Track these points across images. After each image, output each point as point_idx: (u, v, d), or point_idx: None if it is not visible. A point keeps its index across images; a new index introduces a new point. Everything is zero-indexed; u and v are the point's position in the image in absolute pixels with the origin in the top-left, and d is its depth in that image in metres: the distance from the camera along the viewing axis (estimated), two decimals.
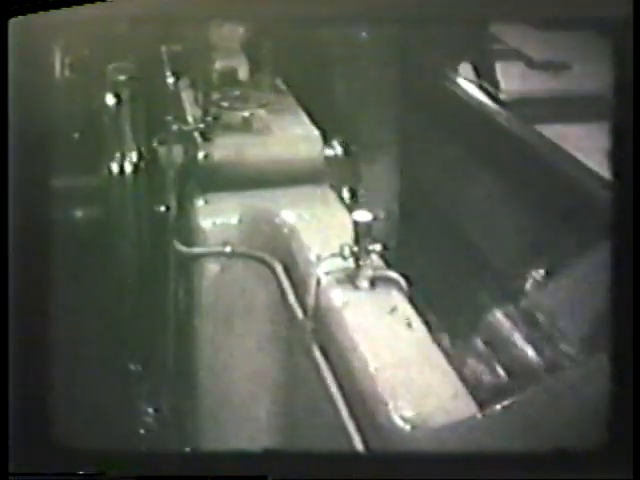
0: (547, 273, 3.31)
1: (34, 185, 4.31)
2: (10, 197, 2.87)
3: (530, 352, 2.98)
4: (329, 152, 4.06)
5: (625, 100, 2.70)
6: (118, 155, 4.23)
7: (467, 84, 5.05)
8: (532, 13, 3.23)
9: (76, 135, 5.00)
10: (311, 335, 3.35)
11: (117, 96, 4.23)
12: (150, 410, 4.44)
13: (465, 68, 5.70)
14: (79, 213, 4.70)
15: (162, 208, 4.09)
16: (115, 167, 4.22)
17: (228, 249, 3.85)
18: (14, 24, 2.77)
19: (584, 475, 2.73)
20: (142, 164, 4.22)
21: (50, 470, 2.91)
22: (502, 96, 5.07)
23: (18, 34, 2.77)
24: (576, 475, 2.74)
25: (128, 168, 4.23)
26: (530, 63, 8.18)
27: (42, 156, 3.06)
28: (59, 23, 2.94)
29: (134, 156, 4.19)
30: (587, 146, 3.98)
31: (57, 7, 2.80)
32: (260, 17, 3.81)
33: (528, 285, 3.48)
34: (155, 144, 4.19)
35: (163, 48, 4.61)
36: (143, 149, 4.25)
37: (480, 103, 4.81)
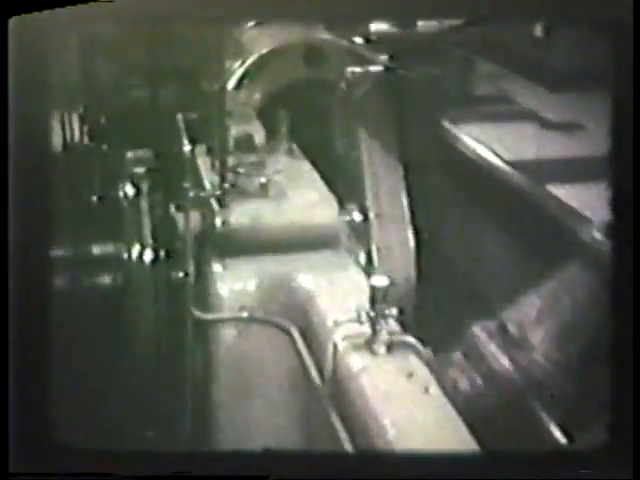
0: None
1: (45, 251, 4.35)
2: (16, 260, 2.89)
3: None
4: (345, 217, 4.09)
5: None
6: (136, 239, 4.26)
7: (478, 145, 5.09)
8: (533, 13, 3.25)
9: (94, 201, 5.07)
10: (329, 401, 3.35)
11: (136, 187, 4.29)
12: None
13: (477, 129, 5.73)
14: (97, 280, 4.73)
15: (180, 274, 4.11)
16: (135, 252, 4.26)
17: (245, 315, 3.86)
18: (14, 23, 2.80)
19: (584, 475, 2.74)
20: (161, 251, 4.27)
21: (50, 470, 2.91)
22: (515, 157, 5.10)
23: (18, 33, 2.80)
24: (576, 475, 2.75)
25: (147, 256, 4.27)
26: (544, 124, 8.23)
27: (49, 220, 3.09)
28: (59, 22, 2.95)
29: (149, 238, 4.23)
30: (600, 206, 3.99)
31: (56, 6, 2.83)
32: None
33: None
34: (173, 211, 4.24)
35: (179, 116, 4.66)
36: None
37: (492, 164, 4.83)
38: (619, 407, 2.72)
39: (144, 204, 4.33)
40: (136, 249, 4.27)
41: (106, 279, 4.79)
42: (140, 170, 4.33)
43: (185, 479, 2.96)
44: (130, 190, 4.35)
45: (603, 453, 2.74)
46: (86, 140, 6.52)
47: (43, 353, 2.97)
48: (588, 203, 4.13)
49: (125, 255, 4.41)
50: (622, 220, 2.76)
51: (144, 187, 4.35)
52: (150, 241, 4.27)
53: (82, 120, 6.53)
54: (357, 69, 5.61)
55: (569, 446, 2.95)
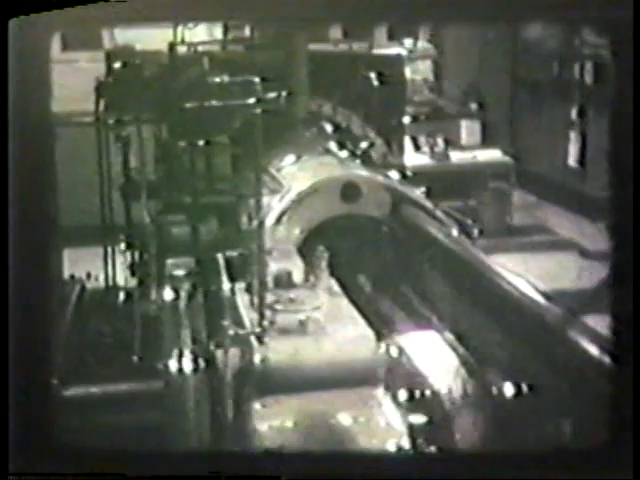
0: None
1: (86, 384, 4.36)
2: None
3: None
4: (384, 353, 4.10)
5: None
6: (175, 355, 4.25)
7: (515, 276, 5.09)
8: (537, 13, 3.27)
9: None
10: None
11: (175, 291, 4.30)
12: None
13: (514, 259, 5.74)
14: (135, 417, 4.74)
15: (219, 410, 4.11)
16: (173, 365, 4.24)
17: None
18: (14, 24, 2.85)
19: (584, 475, 2.74)
20: (200, 363, 4.26)
21: (50, 470, 2.87)
22: (552, 287, 5.09)
23: (18, 34, 2.85)
24: (576, 475, 2.75)
25: (186, 366, 4.25)
26: (584, 253, 8.25)
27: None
28: (59, 24, 3.02)
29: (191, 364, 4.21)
30: None
31: (56, 8, 2.87)
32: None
33: None
34: (212, 348, 4.27)
35: (219, 254, 4.74)
36: (199, 351, 4.29)
37: (528, 297, 4.81)
38: (619, 407, 2.72)
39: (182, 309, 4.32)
40: (174, 360, 4.23)
41: (146, 414, 4.80)
42: (180, 273, 4.33)
43: (198, 479, 2.93)
44: (169, 294, 4.35)
45: (603, 453, 2.72)
46: (128, 275, 6.64)
47: (44, 354, 2.98)
48: None
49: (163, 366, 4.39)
50: None
51: (183, 292, 4.34)
52: (190, 347, 4.22)
53: (125, 256, 6.67)
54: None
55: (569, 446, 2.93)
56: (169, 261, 4.55)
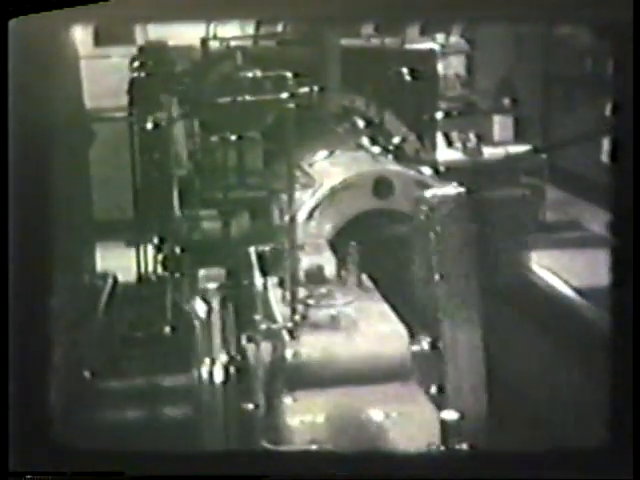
0: None
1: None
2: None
3: None
4: (416, 348, 4.09)
5: None
6: (208, 360, 4.25)
7: (549, 273, 5.07)
8: (537, 13, 3.25)
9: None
10: None
11: (207, 303, 4.29)
12: None
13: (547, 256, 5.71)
14: (167, 412, 4.76)
15: (250, 406, 4.12)
16: (205, 371, 4.23)
17: (315, 447, 3.83)
18: (14, 25, 2.85)
19: (584, 475, 2.75)
20: (231, 368, 4.25)
21: (50, 470, 2.88)
22: (585, 284, 5.06)
23: (18, 34, 2.85)
24: (576, 475, 2.76)
25: (218, 374, 4.23)
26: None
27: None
28: (59, 24, 3.01)
29: (224, 358, 4.20)
30: None
31: (56, 8, 2.87)
32: None
33: None
34: (244, 342, 4.27)
35: (251, 248, 4.75)
36: (232, 350, 4.28)
37: (562, 294, 4.80)
38: (619, 407, 2.71)
39: (216, 321, 4.30)
40: (206, 368, 4.22)
41: (176, 409, 4.81)
42: (212, 286, 4.31)
43: (187, 479, 2.94)
44: (201, 307, 4.34)
45: (603, 453, 2.70)
46: (160, 269, 6.67)
47: (44, 353, 2.99)
48: None
49: (196, 376, 4.39)
50: None
51: (215, 303, 4.32)
52: (221, 358, 4.21)
53: (157, 250, 6.70)
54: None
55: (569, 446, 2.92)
56: (200, 273, 4.52)
